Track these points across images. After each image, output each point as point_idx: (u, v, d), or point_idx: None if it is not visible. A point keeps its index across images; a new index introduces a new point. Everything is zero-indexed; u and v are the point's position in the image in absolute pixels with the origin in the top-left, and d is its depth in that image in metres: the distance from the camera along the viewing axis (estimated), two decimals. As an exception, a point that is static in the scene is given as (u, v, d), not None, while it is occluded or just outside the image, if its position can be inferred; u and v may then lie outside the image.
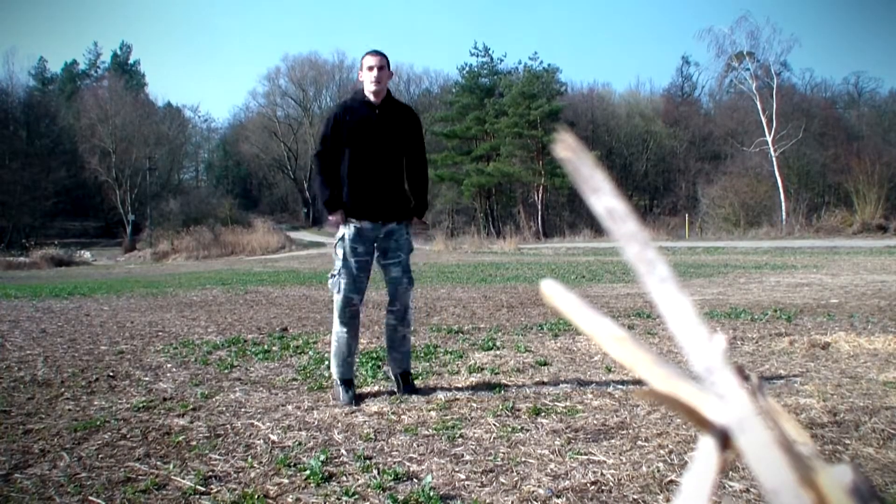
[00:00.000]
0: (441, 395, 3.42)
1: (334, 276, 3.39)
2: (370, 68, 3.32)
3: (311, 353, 4.77)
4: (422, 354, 4.57)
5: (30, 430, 2.94)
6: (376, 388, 3.63)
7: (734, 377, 0.51)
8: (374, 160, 3.34)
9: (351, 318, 3.39)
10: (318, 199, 3.46)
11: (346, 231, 3.35)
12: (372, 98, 3.36)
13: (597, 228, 29.22)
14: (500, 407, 3.16)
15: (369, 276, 3.46)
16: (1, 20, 74.67)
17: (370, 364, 4.26)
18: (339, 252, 3.37)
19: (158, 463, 2.49)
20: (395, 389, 3.50)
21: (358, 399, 3.37)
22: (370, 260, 3.43)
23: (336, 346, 3.41)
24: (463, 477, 2.30)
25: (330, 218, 3.41)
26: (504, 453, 2.52)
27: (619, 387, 3.52)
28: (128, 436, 2.83)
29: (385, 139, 3.36)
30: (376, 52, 3.38)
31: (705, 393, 0.51)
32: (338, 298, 3.37)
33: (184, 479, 2.30)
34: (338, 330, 3.40)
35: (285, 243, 35.05)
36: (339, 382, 3.39)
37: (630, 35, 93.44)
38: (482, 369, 4.04)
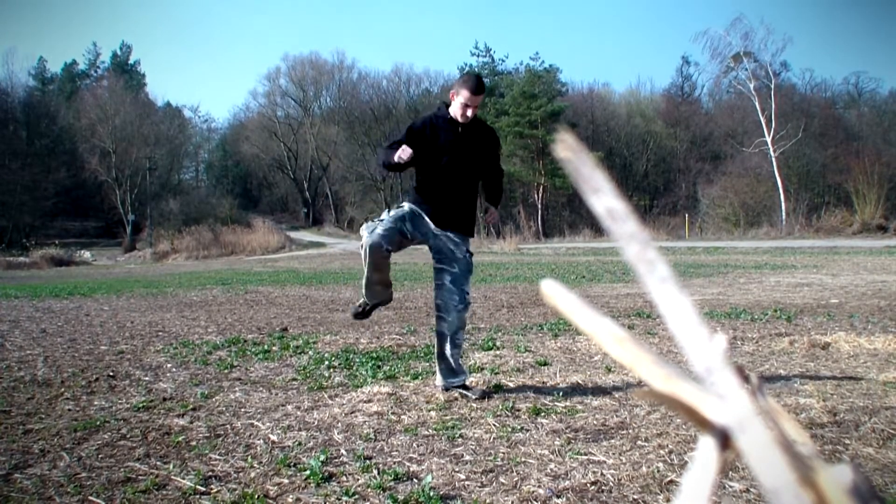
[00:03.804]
0: (441, 395, 3.42)
1: (371, 222, 3.36)
2: (465, 106, 3.32)
3: (311, 353, 4.77)
4: (422, 354, 4.57)
5: (30, 430, 2.94)
6: (376, 388, 3.63)
7: (734, 377, 0.51)
8: (451, 178, 3.36)
9: (383, 258, 3.33)
10: (386, 156, 3.29)
11: (409, 207, 3.38)
12: (459, 119, 3.38)
13: (597, 228, 29.21)
14: (500, 407, 3.16)
15: (400, 247, 3.43)
16: (1, 20, 74.65)
17: (370, 364, 4.26)
18: (392, 212, 3.39)
19: (158, 463, 2.49)
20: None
21: (358, 395, 3.37)
22: (408, 240, 3.41)
23: (368, 283, 3.42)
24: (463, 477, 2.30)
25: (399, 152, 3.20)
26: (504, 453, 2.52)
27: (619, 387, 3.53)
28: (128, 436, 2.83)
29: (464, 160, 3.38)
30: (479, 91, 3.34)
31: (705, 393, 0.51)
32: (367, 241, 3.27)
33: (184, 479, 2.30)
34: (369, 275, 3.38)
35: (285, 243, 35.04)
36: (367, 304, 3.54)
37: (630, 35, 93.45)
38: (482, 369, 4.04)
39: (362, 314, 3.62)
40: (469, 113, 3.34)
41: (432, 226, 3.40)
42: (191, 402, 3.38)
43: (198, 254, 32.23)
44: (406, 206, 3.41)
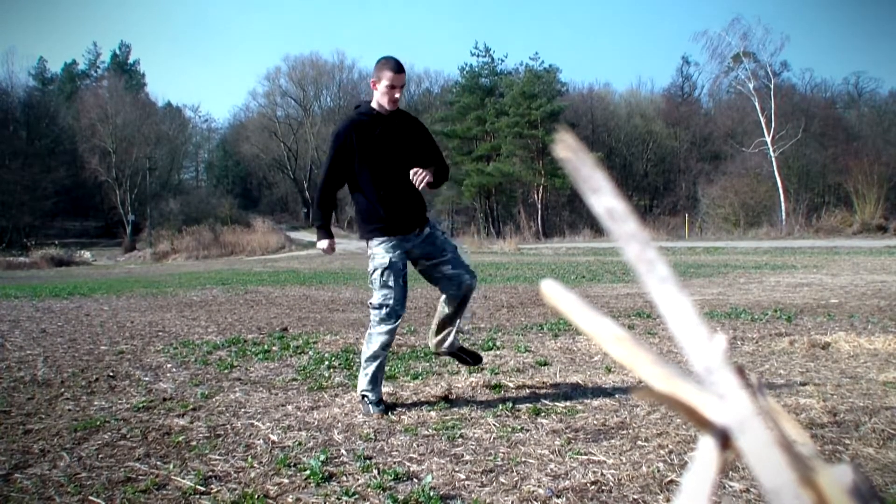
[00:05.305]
0: (437, 391, 3.42)
1: (385, 305, 3.16)
2: (391, 87, 3.16)
3: (311, 353, 4.77)
4: (422, 354, 4.57)
5: (30, 430, 2.94)
6: (376, 388, 3.63)
7: (734, 377, 0.51)
8: (394, 173, 3.21)
9: (393, 337, 3.24)
10: (313, 219, 3.42)
11: (390, 254, 3.17)
12: (386, 108, 3.23)
13: (597, 228, 29.22)
14: (500, 407, 3.15)
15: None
16: (1, 20, 74.63)
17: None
18: (386, 277, 3.16)
19: (158, 463, 2.49)
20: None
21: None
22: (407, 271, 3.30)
23: (375, 368, 3.19)
24: (463, 477, 2.30)
25: (320, 244, 3.39)
26: (504, 453, 2.52)
27: (619, 387, 3.52)
28: (128, 436, 2.83)
29: (399, 150, 3.24)
30: (400, 70, 3.19)
31: (705, 393, 0.51)
32: (389, 328, 3.16)
33: (184, 479, 2.30)
34: (377, 352, 3.18)
35: (285, 243, 35.06)
36: (372, 401, 3.18)
37: (630, 35, 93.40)
38: (482, 369, 4.04)
39: (378, 401, 3.23)
40: (396, 95, 3.18)
41: (409, 240, 3.24)
42: (191, 402, 3.38)
43: (198, 254, 32.25)
44: (385, 258, 3.18)
